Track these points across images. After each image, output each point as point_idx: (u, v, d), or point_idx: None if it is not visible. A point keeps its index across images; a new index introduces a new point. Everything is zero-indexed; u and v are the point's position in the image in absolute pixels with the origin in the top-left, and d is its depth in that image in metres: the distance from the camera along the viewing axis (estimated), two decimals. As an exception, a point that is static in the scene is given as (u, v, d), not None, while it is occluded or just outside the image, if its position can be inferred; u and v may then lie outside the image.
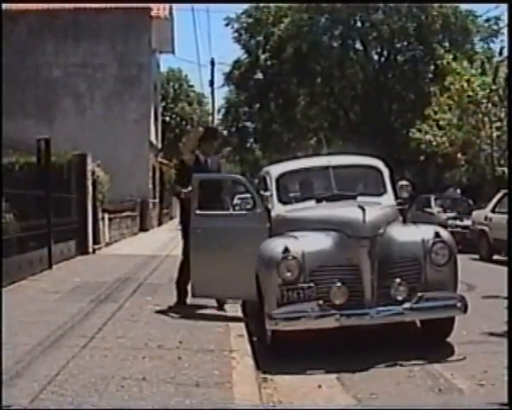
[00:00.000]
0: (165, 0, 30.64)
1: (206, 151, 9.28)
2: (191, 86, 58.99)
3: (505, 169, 22.34)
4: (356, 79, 37.92)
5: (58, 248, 13.95)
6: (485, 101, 24.27)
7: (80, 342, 6.74)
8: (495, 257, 16.74)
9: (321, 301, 6.63)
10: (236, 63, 38.21)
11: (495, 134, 24.33)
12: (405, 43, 36.11)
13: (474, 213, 19.21)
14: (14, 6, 24.91)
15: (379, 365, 6.42)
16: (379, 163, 8.81)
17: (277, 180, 8.55)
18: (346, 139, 36.57)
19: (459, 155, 26.95)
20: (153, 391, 5.20)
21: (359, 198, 8.04)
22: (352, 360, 6.55)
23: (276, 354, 6.84)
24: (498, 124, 24.13)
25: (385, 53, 36.72)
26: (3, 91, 26.05)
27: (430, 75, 35.60)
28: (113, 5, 28.24)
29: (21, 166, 13.17)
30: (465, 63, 25.93)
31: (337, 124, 38.66)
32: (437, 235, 7.01)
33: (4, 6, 19.33)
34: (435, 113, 27.72)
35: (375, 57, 37.39)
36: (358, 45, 36.82)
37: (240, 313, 8.58)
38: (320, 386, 5.90)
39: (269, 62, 36.78)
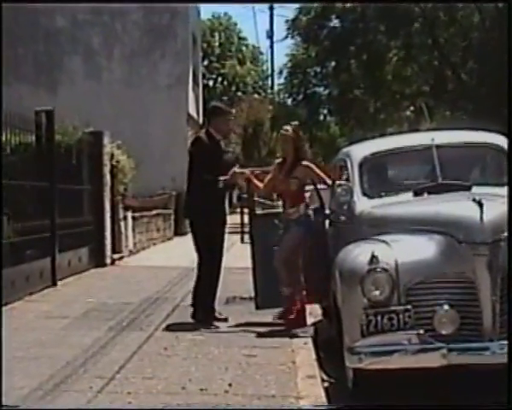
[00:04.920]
0: None
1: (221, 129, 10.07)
2: (243, 39, 59.12)
3: None
4: (469, 25, 37.44)
5: (65, 258, 14.17)
6: None
7: (95, 384, 6.82)
8: None
9: (421, 330, 6.58)
10: (304, 7, 38.13)
11: None
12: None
13: None
14: None
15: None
16: (502, 141, 8.72)
17: (361, 166, 8.59)
18: (456, 109, 36.18)
19: None
20: (192, 451, 5.25)
21: (474, 189, 7.96)
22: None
23: (360, 401, 6.83)
24: None
25: (511, -13, 36.15)
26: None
27: None
28: None
29: (14, 149, 13.22)
30: None
31: (443, 88, 38.22)
32: None
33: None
34: None
35: (498, -7, 36.87)
36: (473, -23, 36.36)
37: (310, 346, 8.59)
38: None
39: (348, 5, 36.61)
